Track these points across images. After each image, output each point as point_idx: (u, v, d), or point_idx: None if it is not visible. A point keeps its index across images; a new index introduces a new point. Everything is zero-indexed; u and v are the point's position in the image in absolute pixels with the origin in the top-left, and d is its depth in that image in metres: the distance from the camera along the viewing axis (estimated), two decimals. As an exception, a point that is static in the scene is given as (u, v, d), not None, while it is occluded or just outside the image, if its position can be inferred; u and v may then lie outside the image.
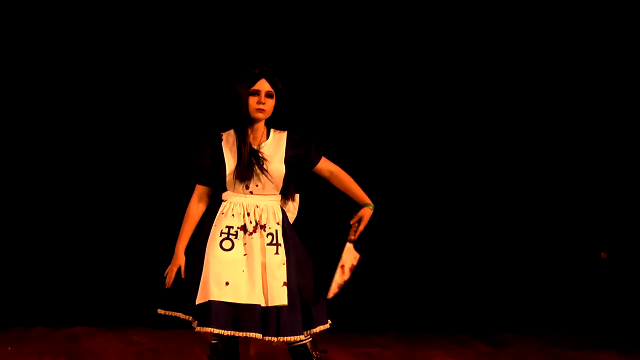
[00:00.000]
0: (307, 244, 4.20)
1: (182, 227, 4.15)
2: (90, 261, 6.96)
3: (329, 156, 4.26)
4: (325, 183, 4.21)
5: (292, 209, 4.25)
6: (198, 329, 3.96)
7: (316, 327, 4.07)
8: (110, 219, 7.00)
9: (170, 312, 4.08)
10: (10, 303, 6.86)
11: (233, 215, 4.04)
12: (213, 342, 4.14)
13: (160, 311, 4.11)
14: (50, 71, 6.99)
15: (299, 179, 4.23)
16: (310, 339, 4.13)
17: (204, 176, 4.14)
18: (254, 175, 4.04)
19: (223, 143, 4.08)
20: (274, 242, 4.03)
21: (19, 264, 6.92)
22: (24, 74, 6.98)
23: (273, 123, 4.21)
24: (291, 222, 4.20)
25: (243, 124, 4.07)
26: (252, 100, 4.05)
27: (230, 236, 4.00)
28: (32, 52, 6.97)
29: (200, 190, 4.17)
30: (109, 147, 7.07)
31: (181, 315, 4.05)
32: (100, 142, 7.13)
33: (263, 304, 3.95)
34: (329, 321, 4.14)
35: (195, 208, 4.14)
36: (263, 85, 4.04)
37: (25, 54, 6.97)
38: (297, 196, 4.25)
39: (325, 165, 4.18)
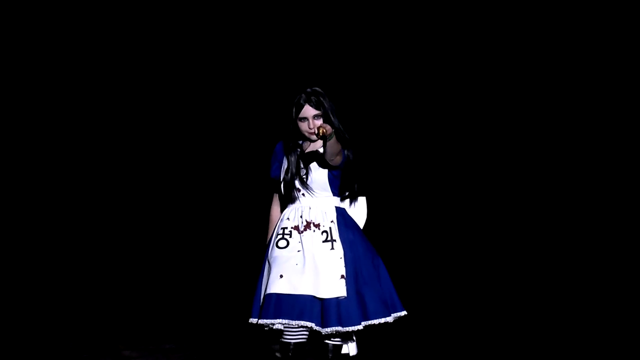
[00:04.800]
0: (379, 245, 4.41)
1: (268, 232, 4.47)
2: (80, 277, 6.90)
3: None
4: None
5: (358, 212, 4.44)
6: (258, 322, 4.16)
7: (372, 320, 4.19)
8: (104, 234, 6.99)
9: (254, 319, 4.24)
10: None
11: (288, 218, 4.31)
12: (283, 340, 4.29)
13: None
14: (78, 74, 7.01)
15: (362, 183, 4.42)
16: (340, 342, 4.31)
17: (278, 186, 4.42)
18: (303, 182, 4.31)
19: (285, 153, 4.39)
20: (328, 238, 4.22)
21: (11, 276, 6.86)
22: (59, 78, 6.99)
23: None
24: (361, 224, 4.42)
25: (294, 140, 4.38)
26: (303, 126, 4.31)
27: (285, 236, 4.26)
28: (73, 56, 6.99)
29: (277, 197, 4.50)
30: (104, 150, 7.08)
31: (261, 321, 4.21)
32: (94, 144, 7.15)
33: (320, 296, 4.13)
34: (400, 313, 4.27)
35: (277, 214, 4.46)
36: (308, 111, 4.28)
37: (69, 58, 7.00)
38: (362, 199, 4.45)
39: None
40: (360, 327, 4.15)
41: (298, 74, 7.08)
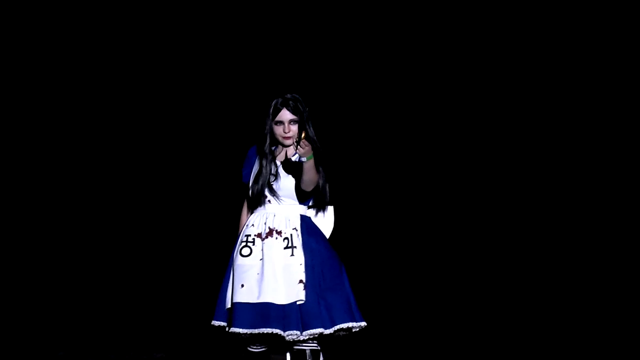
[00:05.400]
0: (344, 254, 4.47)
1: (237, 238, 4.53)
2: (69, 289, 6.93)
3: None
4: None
5: (326, 221, 4.49)
6: (216, 324, 4.32)
7: (339, 324, 4.26)
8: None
9: (216, 321, 4.37)
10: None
11: (253, 225, 4.37)
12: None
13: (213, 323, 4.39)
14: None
15: (331, 192, 4.46)
16: (317, 347, 4.34)
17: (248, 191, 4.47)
18: (270, 189, 4.36)
19: (256, 160, 4.44)
20: (289, 245, 4.29)
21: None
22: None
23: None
24: (328, 234, 4.47)
25: (269, 145, 4.41)
26: (278, 130, 4.34)
27: (249, 243, 4.33)
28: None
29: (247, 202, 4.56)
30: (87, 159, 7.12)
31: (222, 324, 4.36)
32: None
33: (279, 302, 4.20)
34: (359, 324, 4.31)
35: (246, 219, 4.52)
36: (285, 115, 4.32)
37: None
38: (330, 209, 4.50)
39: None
40: (320, 330, 4.21)
41: (273, 79, 7.13)
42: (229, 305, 4.30)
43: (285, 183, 4.36)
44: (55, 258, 7.17)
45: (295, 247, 4.29)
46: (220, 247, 6.87)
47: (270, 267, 4.24)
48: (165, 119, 7.33)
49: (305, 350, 4.37)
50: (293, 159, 4.40)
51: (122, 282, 7.19)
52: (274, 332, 4.18)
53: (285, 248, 4.29)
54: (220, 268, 4.55)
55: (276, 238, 4.31)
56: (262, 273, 4.24)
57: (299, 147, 4.11)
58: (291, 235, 4.32)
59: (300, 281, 4.23)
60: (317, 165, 4.28)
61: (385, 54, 7.48)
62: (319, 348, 4.38)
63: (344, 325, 4.24)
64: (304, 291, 4.21)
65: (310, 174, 4.22)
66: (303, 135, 4.12)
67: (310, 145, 4.14)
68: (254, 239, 4.33)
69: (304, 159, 4.18)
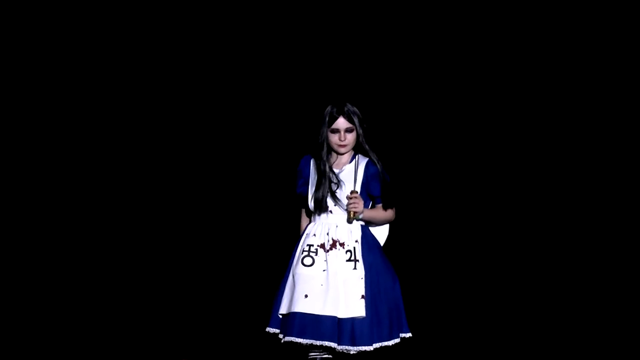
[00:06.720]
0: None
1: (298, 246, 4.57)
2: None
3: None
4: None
5: (381, 230, 4.57)
6: (283, 340, 4.32)
7: (391, 339, 4.34)
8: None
9: (271, 328, 4.42)
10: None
11: (315, 234, 4.41)
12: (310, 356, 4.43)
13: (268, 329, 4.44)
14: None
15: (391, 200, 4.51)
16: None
17: (305, 201, 4.53)
18: (332, 199, 4.40)
19: (311, 169, 4.50)
20: (352, 258, 4.34)
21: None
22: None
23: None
24: (382, 243, 4.53)
25: (326, 153, 4.47)
26: (334, 138, 4.42)
27: (311, 253, 4.37)
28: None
29: (304, 212, 4.64)
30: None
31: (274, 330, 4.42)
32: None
33: (340, 316, 4.26)
34: (405, 335, 4.41)
35: (304, 228, 4.56)
36: (342, 123, 4.40)
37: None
38: None
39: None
40: (371, 348, 4.29)
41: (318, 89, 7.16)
42: (284, 312, 4.37)
43: (349, 190, 4.43)
44: (47, 262, 7.12)
45: (357, 260, 4.34)
46: (275, 255, 6.89)
47: (334, 279, 4.29)
48: (220, 125, 7.35)
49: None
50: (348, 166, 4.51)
51: (170, 289, 7.15)
52: (333, 345, 4.25)
53: (347, 261, 4.34)
54: (275, 276, 4.62)
55: (339, 250, 4.36)
56: (327, 285, 4.29)
57: (348, 209, 4.32)
58: (354, 248, 4.36)
59: (362, 296, 4.30)
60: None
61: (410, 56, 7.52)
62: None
63: (390, 343, 4.33)
64: (364, 307, 4.28)
65: (377, 221, 4.44)
66: (352, 214, 4.31)
67: (359, 202, 4.31)
68: (316, 249, 4.37)
69: (360, 216, 4.34)
